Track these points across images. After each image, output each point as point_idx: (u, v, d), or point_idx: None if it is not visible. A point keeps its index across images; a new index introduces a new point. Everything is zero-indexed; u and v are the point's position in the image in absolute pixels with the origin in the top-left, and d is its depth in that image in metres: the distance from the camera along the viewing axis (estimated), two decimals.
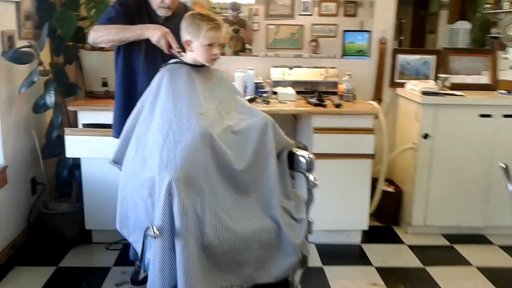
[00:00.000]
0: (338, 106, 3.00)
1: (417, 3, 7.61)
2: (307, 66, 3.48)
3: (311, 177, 1.99)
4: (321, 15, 7.10)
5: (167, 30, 2.09)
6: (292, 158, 2.05)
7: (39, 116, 3.06)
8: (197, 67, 2.04)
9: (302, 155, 2.02)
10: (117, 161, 2.07)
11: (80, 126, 2.91)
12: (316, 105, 3.04)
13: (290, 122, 3.44)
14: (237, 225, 1.78)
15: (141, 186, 1.80)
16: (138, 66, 2.27)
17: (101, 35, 2.17)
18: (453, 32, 5.58)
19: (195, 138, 1.79)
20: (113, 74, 2.42)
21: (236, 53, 4.76)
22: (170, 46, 2.09)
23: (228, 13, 5.10)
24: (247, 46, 5.12)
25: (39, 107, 2.87)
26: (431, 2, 7.39)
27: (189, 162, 1.74)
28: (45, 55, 3.17)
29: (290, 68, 3.42)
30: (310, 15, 7.12)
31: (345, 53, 3.62)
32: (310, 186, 1.99)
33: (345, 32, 3.68)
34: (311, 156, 2.01)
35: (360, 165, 3.02)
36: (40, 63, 2.80)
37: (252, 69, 3.37)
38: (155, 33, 2.08)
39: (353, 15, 6.79)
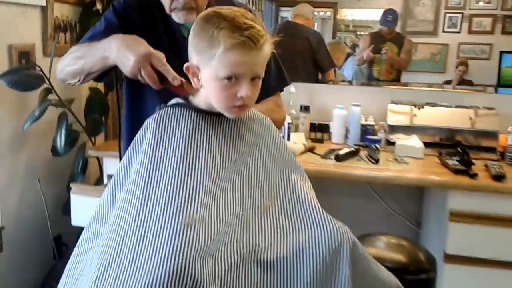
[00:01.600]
0: (499, 177, 1.75)
1: None
2: (446, 105, 2.26)
3: None
4: (471, 32, 5.69)
5: (148, 50, 1.09)
6: None
7: (65, 159, 2.30)
8: (214, 116, 1.05)
9: None
10: None
11: (105, 178, 2.10)
12: (457, 171, 1.83)
13: (412, 192, 2.28)
14: None
15: None
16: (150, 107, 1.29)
17: (64, 65, 1.28)
18: None
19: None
20: None
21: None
22: (161, 77, 1.10)
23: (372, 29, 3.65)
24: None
25: (55, 150, 2.11)
26: None
27: None
28: None
29: (419, 106, 2.23)
30: (458, 32, 5.78)
31: (501, 82, 2.72)
32: None
33: (502, 53, 2.91)
34: None
35: None
36: (50, 90, 2.03)
37: (358, 105, 2.28)
38: (126, 59, 1.08)
39: None
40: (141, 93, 1.34)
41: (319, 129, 2.38)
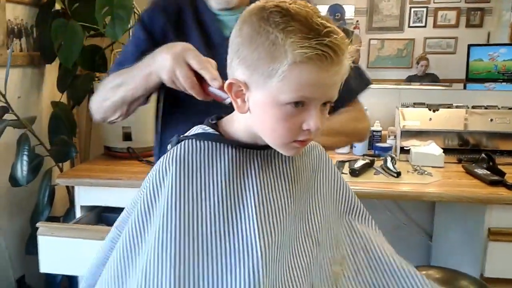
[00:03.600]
0: None
1: None
2: (462, 105, 2.04)
3: None
4: (436, 26, 5.64)
5: (185, 46, 0.88)
6: None
7: (28, 189, 1.93)
8: (259, 150, 0.76)
9: None
10: None
11: (77, 211, 1.76)
12: (493, 183, 1.62)
13: (423, 203, 2.07)
14: None
15: None
16: None
17: (100, 100, 1.06)
18: None
19: None
20: (140, 122, 1.59)
21: None
22: (201, 80, 0.85)
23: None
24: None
25: (15, 180, 1.75)
26: None
27: None
28: (52, 91, 2.09)
29: (434, 109, 2.00)
30: (423, 26, 5.72)
31: (470, 76, 2.64)
32: None
33: (470, 47, 2.73)
34: None
35: None
36: (7, 109, 1.67)
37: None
38: (164, 61, 0.87)
39: (478, 26, 5.37)
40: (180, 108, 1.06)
41: None
